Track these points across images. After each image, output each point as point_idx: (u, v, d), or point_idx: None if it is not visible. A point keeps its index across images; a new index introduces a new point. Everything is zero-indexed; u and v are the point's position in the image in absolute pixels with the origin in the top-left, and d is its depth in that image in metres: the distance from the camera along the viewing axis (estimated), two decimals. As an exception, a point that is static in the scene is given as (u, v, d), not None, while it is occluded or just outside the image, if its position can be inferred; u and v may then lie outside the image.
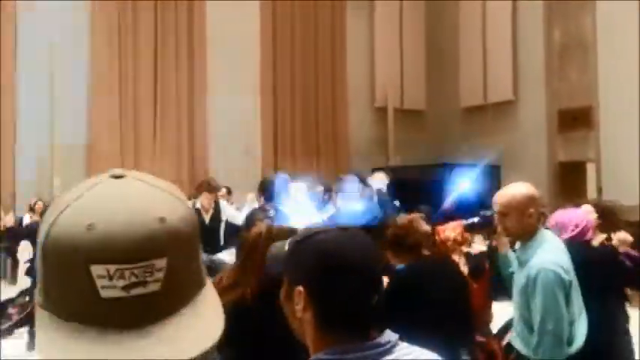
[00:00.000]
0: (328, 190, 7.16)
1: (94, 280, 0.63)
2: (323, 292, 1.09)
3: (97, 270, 0.63)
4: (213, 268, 2.64)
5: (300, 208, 4.69)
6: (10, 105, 10.57)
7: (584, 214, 3.52)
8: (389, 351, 1.07)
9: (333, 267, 1.08)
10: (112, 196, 0.67)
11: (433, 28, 14.59)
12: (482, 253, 4.47)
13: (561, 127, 11.76)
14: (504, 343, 3.54)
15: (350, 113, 13.98)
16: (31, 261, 7.10)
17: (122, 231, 0.63)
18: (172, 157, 11.97)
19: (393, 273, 2.81)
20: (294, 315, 1.12)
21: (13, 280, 8.96)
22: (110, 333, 0.63)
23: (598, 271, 2.99)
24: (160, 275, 0.65)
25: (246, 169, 12.58)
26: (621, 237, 3.98)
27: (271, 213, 3.43)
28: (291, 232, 1.89)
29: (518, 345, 2.68)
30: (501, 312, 3.79)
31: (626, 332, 3.46)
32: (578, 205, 3.96)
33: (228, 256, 3.39)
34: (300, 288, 1.09)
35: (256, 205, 7.03)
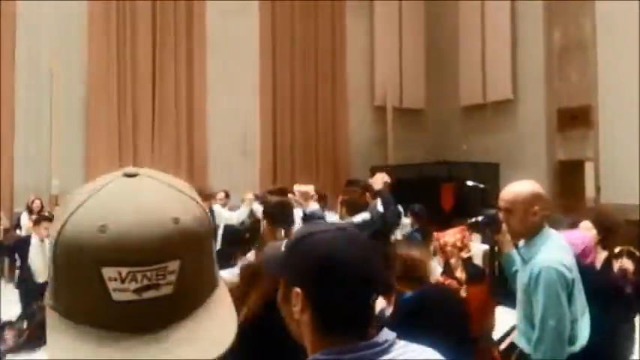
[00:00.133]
0: (323, 198, 6.95)
1: (105, 283, 0.61)
2: (321, 294, 1.08)
3: (108, 272, 0.61)
4: None
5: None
6: (9, 105, 10.55)
7: (582, 237, 3.49)
8: (386, 350, 1.06)
9: (331, 268, 1.07)
10: (124, 195, 0.65)
11: (432, 28, 14.60)
12: (486, 253, 4.48)
13: (560, 126, 11.76)
14: (504, 346, 3.54)
15: (349, 112, 13.98)
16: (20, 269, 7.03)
17: (135, 233, 0.62)
18: (171, 158, 11.94)
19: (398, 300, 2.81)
20: (292, 316, 1.11)
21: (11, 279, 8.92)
22: (121, 336, 0.62)
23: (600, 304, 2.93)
24: (173, 278, 0.63)
25: (245, 169, 12.58)
26: (623, 267, 3.91)
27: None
28: None
29: (522, 344, 2.66)
30: (506, 316, 3.75)
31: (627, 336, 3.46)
32: (575, 224, 3.94)
33: (228, 274, 3.31)
34: (298, 289, 1.09)
35: (254, 206, 6.97)
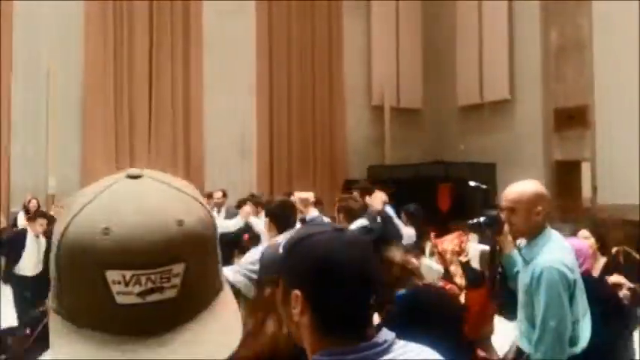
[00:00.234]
0: (319, 203, 6.93)
1: (109, 286, 0.61)
2: (320, 295, 1.08)
3: (112, 275, 0.60)
4: None
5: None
6: (6, 105, 10.53)
7: (579, 245, 3.49)
8: (386, 350, 1.06)
9: (330, 269, 1.07)
10: (128, 197, 0.64)
11: (430, 28, 14.61)
12: (483, 254, 4.47)
13: (557, 126, 11.78)
14: (511, 356, 3.53)
15: (347, 112, 13.98)
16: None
17: (139, 235, 0.61)
18: (168, 158, 11.93)
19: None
20: (291, 319, 1.11)
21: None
22: (125, 340, 0.61)
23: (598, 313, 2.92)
24: (177, 281, 0.63)
25: (242, 169, 12.58)
26: (615, 280, 3.91)
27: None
28: None
29: (523, 344, 2.65)
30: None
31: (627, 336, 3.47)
32: (574, 234, 3.95)
33: (230, 272, 3.30)
34: (297, 292, 1.08)
35: (252, 220, 6.85)
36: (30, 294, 6.48)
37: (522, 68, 12.44)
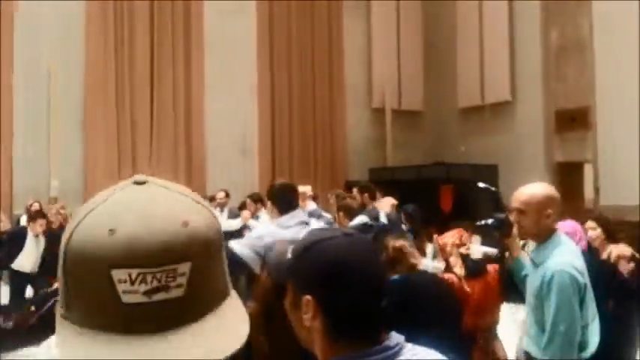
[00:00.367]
0: (315, 198, 6.99)
1: (115, 285, 0.62)
2: (332, 300, 1.08)
3: (118, 274, 0.61)
4: None
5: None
6: (8, 106, 10.52)
7: (573, 224, 3.57)
8: (398, 353, 1.07)
9: (342, 273, 1.08)
10: (134, 200, 0.66)
11: (430, 29, 14.61)
12: (484, 255, 4.47)
13: (559, 127, 11.77)
14: None
15: (347, 114, 13.98)
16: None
17: (144, 234, 0.62)
18: (169, 158, 11.93)
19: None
20: (302, 324, 1.11)
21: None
22: (131, 339, 0.62)
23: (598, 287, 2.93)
24: (183, 280, 0.63)
25: (244, 169, 12.58)
26: (619, 252, 3.93)
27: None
28: None
29: (531, 348, 2.63)
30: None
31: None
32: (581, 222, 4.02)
33: (236, 244, 3.36)
34: (309, 297, 1.08)
35: (251, 223, 6.93)
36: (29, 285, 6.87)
37: (523, 69, 12.44)
